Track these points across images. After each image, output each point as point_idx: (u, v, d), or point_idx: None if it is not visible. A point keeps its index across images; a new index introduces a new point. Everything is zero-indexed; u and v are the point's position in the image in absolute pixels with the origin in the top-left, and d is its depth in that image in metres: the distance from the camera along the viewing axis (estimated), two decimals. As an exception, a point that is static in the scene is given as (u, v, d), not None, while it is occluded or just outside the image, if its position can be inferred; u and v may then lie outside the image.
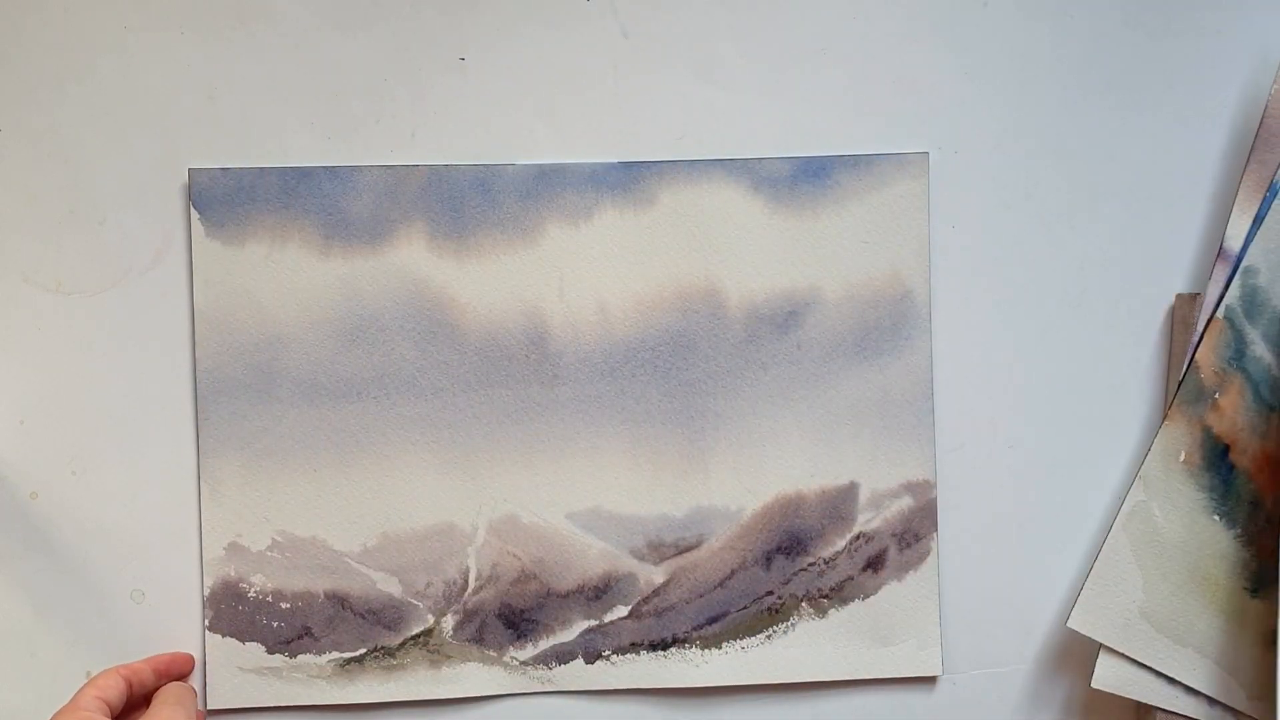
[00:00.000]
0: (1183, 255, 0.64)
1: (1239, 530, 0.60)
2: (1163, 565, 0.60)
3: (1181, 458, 0.61)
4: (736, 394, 0.62)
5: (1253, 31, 0.63)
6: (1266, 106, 0.61)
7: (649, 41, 0.62)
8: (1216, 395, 0.60)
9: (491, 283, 0.62)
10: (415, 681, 0.62)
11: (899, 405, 0.63)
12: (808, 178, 0.62)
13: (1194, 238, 0.63)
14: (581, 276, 0.62)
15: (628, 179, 0.62)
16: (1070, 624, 0.61)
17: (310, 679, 0.62)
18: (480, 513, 0.62)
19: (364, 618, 0.62)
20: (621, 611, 0.62)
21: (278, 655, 0.62)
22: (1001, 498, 0.63)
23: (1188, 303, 0.63)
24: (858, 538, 0.63)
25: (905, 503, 0.63)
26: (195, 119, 0.61)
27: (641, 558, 0.62)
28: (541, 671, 0.62)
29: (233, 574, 0.61)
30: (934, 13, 0.63)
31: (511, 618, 0.62)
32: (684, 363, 0.62)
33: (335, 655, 0.62)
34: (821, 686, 0.63)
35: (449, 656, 0.62)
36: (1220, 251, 0.61)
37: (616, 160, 0.62)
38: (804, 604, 0.63)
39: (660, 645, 0.63)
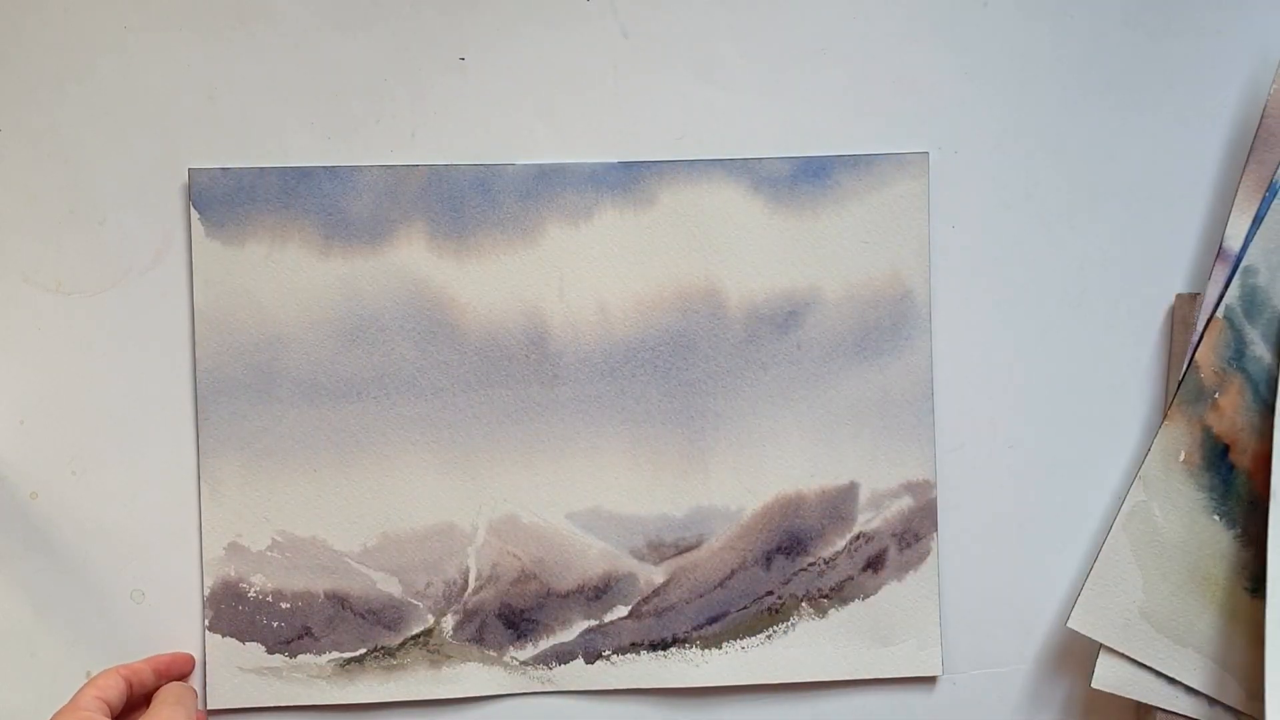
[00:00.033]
0: (1183, 255, 0.64)
1: (1239, 530, 0.60)
2: (1163, 565, 0.60)
3: (1181, 458, 0.61)
4: (736, 394, 0.62)
5: (1253, 31, 0.63)
6: (1266, 106, 0.61)
7: (649, 41, 0.62)
8: (1216, 395, 0.60)
9: (491, 283, 0.62)
10: (415, 681, 0.62)
11: (899, 405, 0.63)
12: (808, 178, 0.62)
13: (1194, 238, 0.63)
14: (581, 276, 0.62)
15: (628, 179, 0.62)
16: (1070, 624, 0.61)
17: (310, 679, 0.62)
18: (480, 513, 0.62)
19: (364, 618, 0.62)
20: (621, 611, 0.62)
21: (278, 655, 0.62)
22: (1001, 498, 0.63)
23: (1188, 303, 0.63)
24: (858, 538, 0.63)
25: (905, 503, 0.63)
26: (195, 119, 0.61)
27: (641, 558, 0.62)
28: (541, 671, 0.62)
29: (233, 574, 0.61)
30: (934, 13, 0.63)
31: (511, 618, 0.62)
32: (684, 363, 0.62)
33: (335, 655, 0.62)
34: (821, 686, 0.63)
35: (449, 656, 0.62)
36: (1220, 251, 0.61)
37: (616, 160, 0.62)
38: (804, 604, 0.63)
39: (660, 645, 0.63)
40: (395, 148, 0.62)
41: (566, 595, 0.62)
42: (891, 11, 0.62)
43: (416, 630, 0.62)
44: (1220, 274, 0.61)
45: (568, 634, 0.62)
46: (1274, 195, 0.60)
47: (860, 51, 0.62)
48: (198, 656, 0.62)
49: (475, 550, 0.62)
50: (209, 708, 0.61)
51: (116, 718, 0.56)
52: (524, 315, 0.62)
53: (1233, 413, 0.60)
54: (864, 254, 0.62)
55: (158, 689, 0.59)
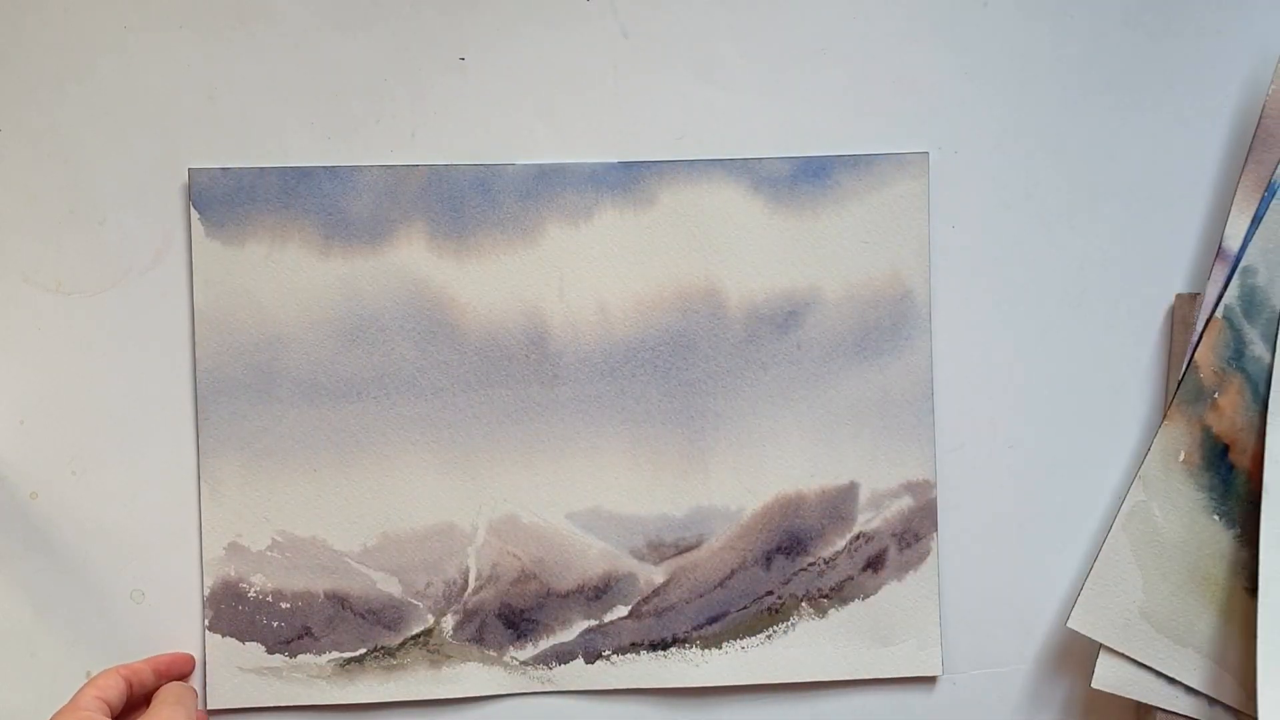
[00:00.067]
0: (1182, 255, 0.64)
1: (1239, 530, 0.60)
2: (1163, 565, 0.60)
3: (1181, 457, 0.61)
4: (736, 394, 0.62)
5: (1253, 31, 0.63)
6: (1265, 106, 0.61)
7: (649, 41, 0.62)
8: (1216, 395, 0.60)
9: (491, 283, 0.62)
10: (415, 681, 0.62)
11: (899, 405, 0.63)
12: (808, 178, 0.62)
13: (1193, 238, 0.63)
14: (581, 276, 0.62)
15: (628, 179, 0.62)
16: (1070, 624, 0.61)
17: (310, 679, 0.62)
18: (480, 513, 0.62)
19: (364, 618, 0.62)
20: (621, 611, 0.62)
21: (278, 655, 0.62)
22: (1001, 498, 0.63)
23: (1187, 303, 0.63)
24: (858, 538, 0.63)
25: (905, 503, 0.63)
26: (195, 119, 0.61)
27: (641, 558, 0.62)
28: (541, 671, 0.62)
29: (233, 574, 0.61)
30: (934, 13, 0.63)
31: (511, 618, 0.62)
32: (684, 363, 0.62)
33: (335, 655, 0.62)
34: (821, 686, 0.63)
35: (449, 656, 0.62)
36: (1219, 251, 0.61)
37: (616, 160, 0.62)
38: (804, 604, 0.63)
39: (660, 645, 0.63)
40: (395, 148, 0.62)
41: (566, 595, 0.62)
42: (891, 11, 0.62)
43: (416, 630, 0.62)
44: (1220, 274, 0.61)
45: (568, 634, 0.62)
46: (1273, 195, 0.60)
47: (860, 51, 0.62)
48: (198, 656, 0.62)
49: (475, 550, 0.62)
50: (209, 708, 0.61)
51: (116, 718, 0.56)
52: (524, 315, 0.62)
53: (1232, 412, 0.60)
54: (864, 254, 0.62)
55: (158, 689, 0.59)
